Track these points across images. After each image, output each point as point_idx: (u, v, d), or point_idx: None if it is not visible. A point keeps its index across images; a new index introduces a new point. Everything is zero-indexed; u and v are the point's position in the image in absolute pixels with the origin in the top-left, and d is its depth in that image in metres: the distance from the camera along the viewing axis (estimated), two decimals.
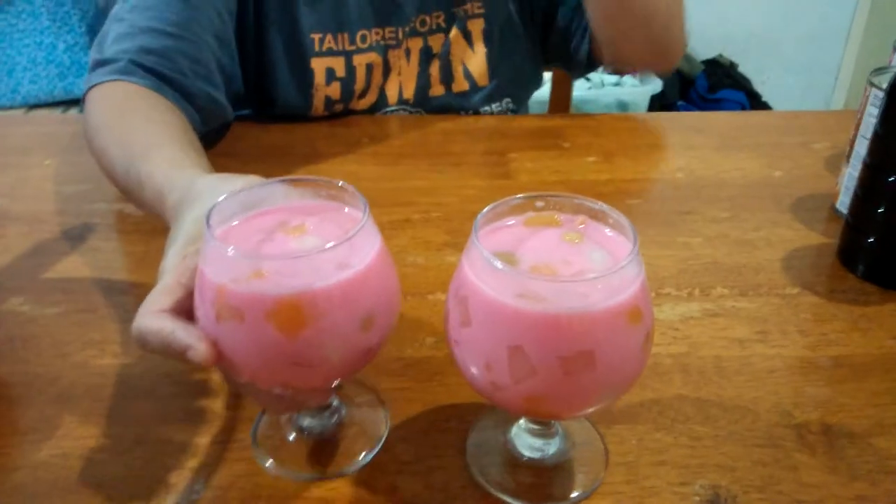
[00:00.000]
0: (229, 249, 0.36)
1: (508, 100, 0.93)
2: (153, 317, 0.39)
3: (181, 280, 0.40)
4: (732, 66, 2.41)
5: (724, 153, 0.80)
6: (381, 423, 0.46)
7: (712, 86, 2.28)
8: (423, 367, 0.50)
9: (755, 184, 0.74)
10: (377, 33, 0.85)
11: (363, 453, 0.44)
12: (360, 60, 0.85)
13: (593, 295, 0.35)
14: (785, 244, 0.63)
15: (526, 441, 0.45)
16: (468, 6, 0.88)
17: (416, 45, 0.88)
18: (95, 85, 0.68)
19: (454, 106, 0.91)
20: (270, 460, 0.44)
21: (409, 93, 0.89)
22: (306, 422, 0.46)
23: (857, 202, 0.59)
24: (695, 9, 2.66)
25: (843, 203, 0.64)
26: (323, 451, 0.44)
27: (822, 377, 0.49)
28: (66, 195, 0.71)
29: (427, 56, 0.89)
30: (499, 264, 0.36)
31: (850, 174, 0.63)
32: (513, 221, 0.43)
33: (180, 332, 0.38)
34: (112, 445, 0.44)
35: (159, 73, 0.69)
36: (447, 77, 0.90)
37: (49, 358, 0.50)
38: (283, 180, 0.42)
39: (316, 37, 0.83)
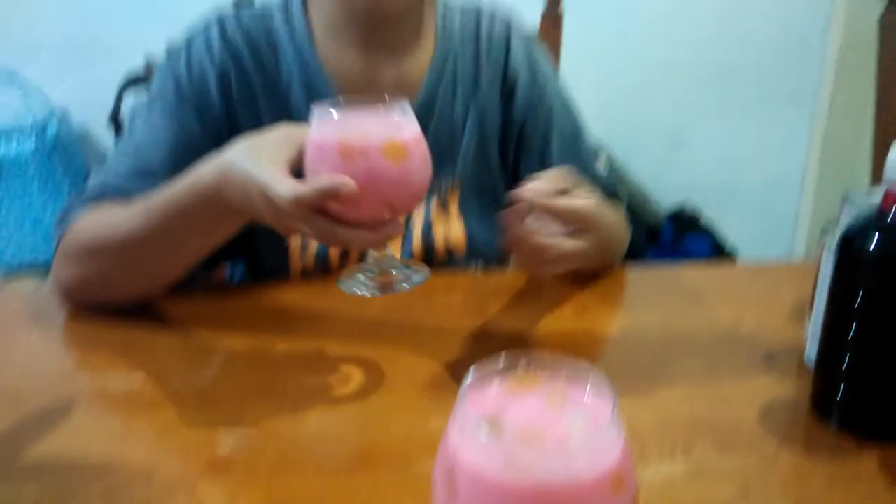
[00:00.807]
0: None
1: (481, 259, 0.97)
2: (296, 185, 0.58)
3: (288, 173, 0.61)
4: (695, 215, 2.52)
5: (693, 306, 0.83)
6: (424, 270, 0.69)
7: (678, 233, 2.38)
8: None
9: (726, 336, 0.76)
10: None
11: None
12: None
13: (577, 464, 0.36)
14: (761, 397, 0.65)
15: None
16: (450, 184, 0.94)
17: None
18: (72, 224, 0.78)
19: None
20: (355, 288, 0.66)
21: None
22: (372, 272, 0.67)
23: (823, 355, 0.61)
24: (658, 160, 2.81)
25: (811, 355, 0.67)
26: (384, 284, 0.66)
27: None
28: (51, 370, 0.71)
29: (406, 227, 0.93)
30: (484, 435, 0.37)
31: (814, 326, 0.66)
32: (495, 385, 0.44)
33: (325, 179, 0.57)
34: None
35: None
36: (429, 251, 0.94)
37: None
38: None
39: None
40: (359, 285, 0.67)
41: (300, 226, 0.61)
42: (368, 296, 0.66)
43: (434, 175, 0.91)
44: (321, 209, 0.59)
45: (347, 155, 0.58)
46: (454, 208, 0.95)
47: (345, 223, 0.60)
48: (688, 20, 2.45)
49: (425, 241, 0.94)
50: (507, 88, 0.96)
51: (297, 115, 0.86)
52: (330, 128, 0.60)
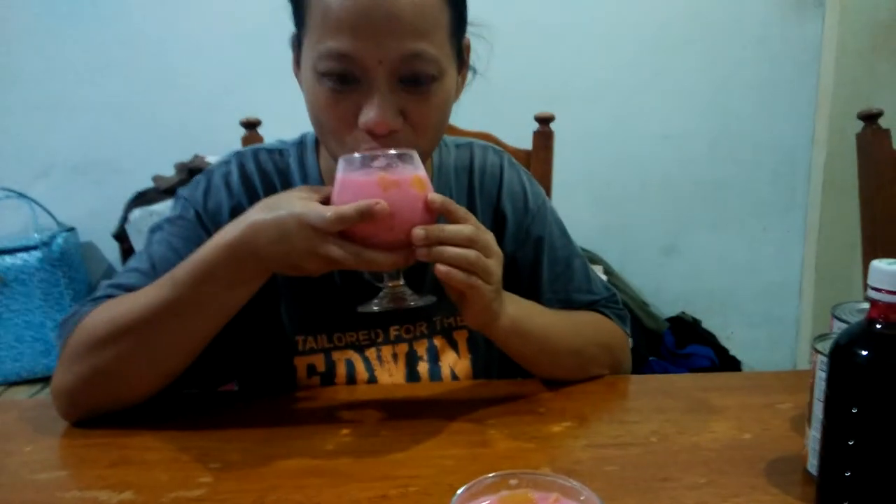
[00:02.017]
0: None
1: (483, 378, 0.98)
2: (337, 206, 0.69)
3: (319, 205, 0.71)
4: (696, 323, 2.53)
5: (693, 416, 0.83)
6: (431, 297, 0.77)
7: (679, 341, 2.38)
8: None
9: (727, 447, 0.75)
10: (351, 336, 0.93)
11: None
12: (338, 356, 0.91)
13: None
14: None
15: None
16: (452, 318, 0.96)
17: (401, 349, 0.95)
18: (83, 316, 0.80)
19: None
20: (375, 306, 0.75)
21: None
22: (385, 298, 0.76)
23: (824, 465, 0.60)
24: (654, 271, 2.85)
25: (813, 464, 0.66)
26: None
27: None
28: (42, 483, 0.70)
29: (413, 359, 0.95)
30: None
31: (814, 436, 0.66)
32: (487, 502, 0.44)
33: (363, 201, 0.68)
34: None
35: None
36: (435, 377, 0.96)
37: None
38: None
39: (300, 338, 0.91)
40: (374, 305, 0.76)
41: (332, 249, 0.69)
42: (378, 310, 0.75)
43: (438, 310, 0.94)
44: (353, 233, 0.69)
45: (385, 187, 0.70)
46: (463, 346, 0.97)
47: (371, 247, 0.69)
48: (678, 138, 2.56)
49: (431, 371, 0.95)
50: (499, 221, 0.99)
51: None
52: (366, 167, 0.71)
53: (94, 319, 0.80)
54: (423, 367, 0.95)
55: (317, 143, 0.95)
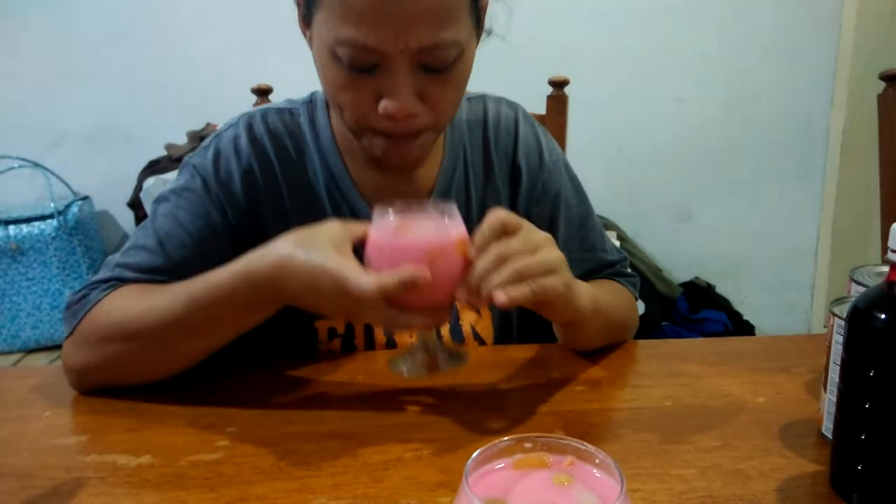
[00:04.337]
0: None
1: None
2: (379, 276, 0.63)
3: (359, 263, 0.66)
4: (710, 288, 2.52)
5: (707, 380, 0.82)
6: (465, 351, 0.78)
7: (693, 307, 2.37)
8: None
9: (741, 410, 0.75)
10: None
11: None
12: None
13: None
14: (778, 473, 0.63)
15: None
16: None
17: None
18: (94, 304, 0.80)
19: None
20: (404, 369, 0.75)
21: None
22: (419, 355, 0.74)
23: (840, 428, 0.60)
24: (668, 236, 2.83)
25: (828, 428, 0.66)
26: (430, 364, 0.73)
27: None
28: (61, 448, 0.71)
29: None
30: None
31: (829, 399, 0.66)
32: (502, 464, 0.44)
33: (406, 271, 0.63)
34: None
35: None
36: (457, 338, 0.95)
37: None
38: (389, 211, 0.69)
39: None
40: (407, 366, 0.75)
41: (367, 314, 0.67)
42: (415, 377, 0.73)
43: None
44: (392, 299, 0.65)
45: (429, 255, 0.65)
46: (485, 308, 0.96)
47: (408, 310, 0.66)
48: (693, 103, 2.52)
49: (453, 330, 0.95)
50: (515, 176, 0.98)
51: (321, 202, 0.90)
52: (406, 230, 0.67)
53: (106, 312, 0.79)
54: (443, 327, 0.94)
55: (327, 101, 0.93)
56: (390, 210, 0.69)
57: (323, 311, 0.69)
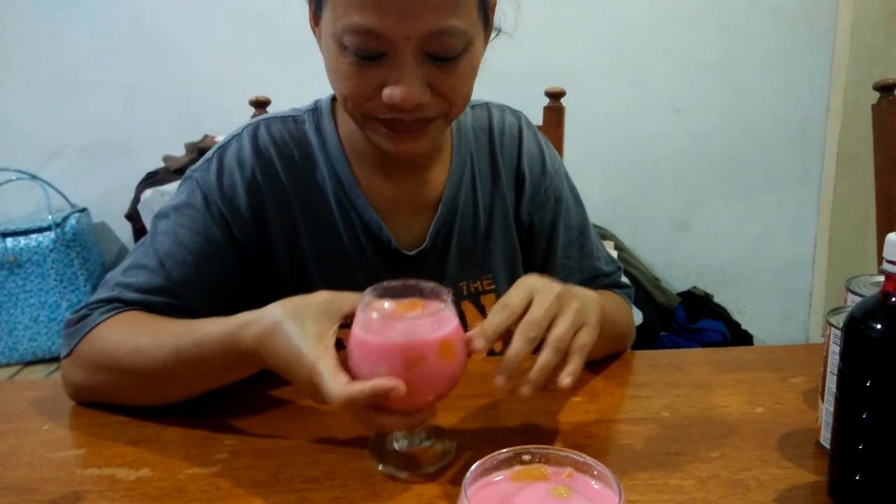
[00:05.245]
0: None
1: None
2: (349, 385, 0.59)
3: (336, 359, 0.62)
4: (708, 298, 2.52)
5: (705, 390, 0.82)
6: (451, 446, 0.70)
7: (691, 316, 2.37)
8: None
9: (740, 421, 0.75)
10: None
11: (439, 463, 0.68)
12: None
13: None
14: (776, 484, 0.63)
15: None
16: (479, 283, 0.96)
17: None
18: (93, 328, 0.79)
19: None
20: (381, 465, 0.68)
21: None
22: (402, 443, 0.69)
23: (837, 439, 0.60)
24: (667, 246, 2.83)
25: (826, 438, 0.66)
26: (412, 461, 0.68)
27: None
28: (60, 461, 0.71)
29: None
30: None
31: (827, 409, 0.66)
32: (501, 476, 0.44)
33: (378, 382, 0.58)
34: None
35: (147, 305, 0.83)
36: None
37: None
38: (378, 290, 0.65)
39: None
40: (379, 465, 0.68)
41: (341, 410, 0.62)
42: (391, 475, 0.66)
43: (464, 275, 0.94)
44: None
45: (407, 360, 0.60)
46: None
47: (385, 412, 0.62)
48: (690, 111, 2.53)
49: None
50: (519, 182, 0.98)
51: (330, 210, 0.90)
52: (386, 331, 0.61)
53: (103, 341, 0.79)
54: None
55: (332, 106, 0.92)
56: (379, 300, 0.64)
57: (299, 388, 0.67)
